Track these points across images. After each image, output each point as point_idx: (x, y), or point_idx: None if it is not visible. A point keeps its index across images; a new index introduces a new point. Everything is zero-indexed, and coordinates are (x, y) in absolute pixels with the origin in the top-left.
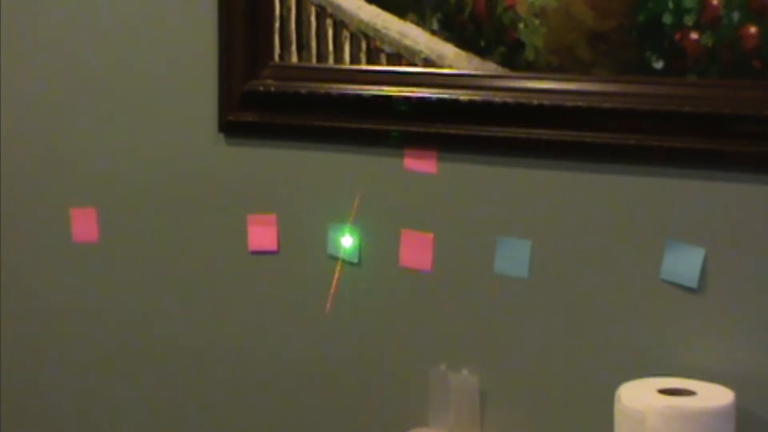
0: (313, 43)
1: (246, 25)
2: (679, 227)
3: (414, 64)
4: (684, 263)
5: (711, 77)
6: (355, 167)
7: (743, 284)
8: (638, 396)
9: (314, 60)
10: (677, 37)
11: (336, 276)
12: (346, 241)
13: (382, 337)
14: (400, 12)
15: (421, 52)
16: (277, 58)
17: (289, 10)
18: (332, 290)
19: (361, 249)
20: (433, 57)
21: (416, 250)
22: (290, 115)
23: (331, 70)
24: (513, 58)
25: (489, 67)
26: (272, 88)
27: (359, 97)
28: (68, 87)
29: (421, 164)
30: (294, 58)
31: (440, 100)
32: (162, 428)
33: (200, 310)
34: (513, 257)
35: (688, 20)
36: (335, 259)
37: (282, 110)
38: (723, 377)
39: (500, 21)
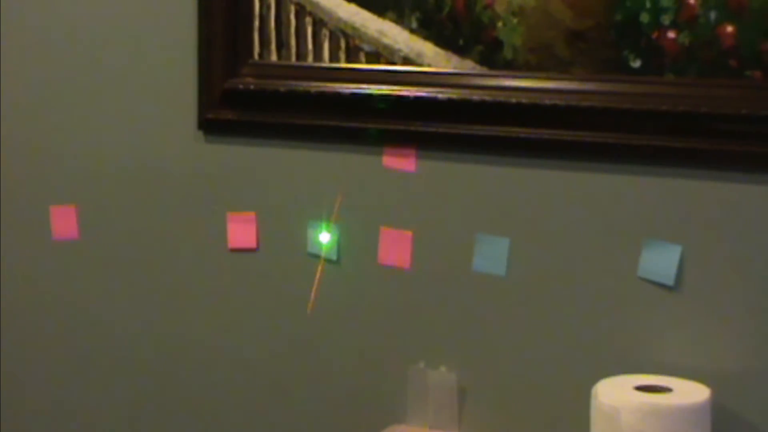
0: (293, 42)
1: (225, 23)
2: (656, 225)
3: (393, 63)
4: (661, 261)
5: (688, 76)
6: (334, 165)
7: (719, 282)
8: (614, 393)
9: (294, 58)
10: (654, 36)
11: (318, 275)
12: (324, 238)
13: (360, 335)
14: (379, 10)
15: (400, 50)
16: (256, 56)
17: (268, 8)
18: (314, 289)
19: (339, 246)
20: (412, 55)
21: (395, 248)
22: (270, 113)
23: (310, 68)
24: (491, 56)
25: (467, 66)
26: (252, 87)
27: (338, 96)
28: (47, 85)
29: (399, 162)
30: (273, 57)
31: (419, 99)
32: (141, 425)
33: (180, 307)
34: (491, 255)
35: (666, 19)
36: (315, 257)
37: (261, 108)
38: (699, 374)
39: (479, 19)
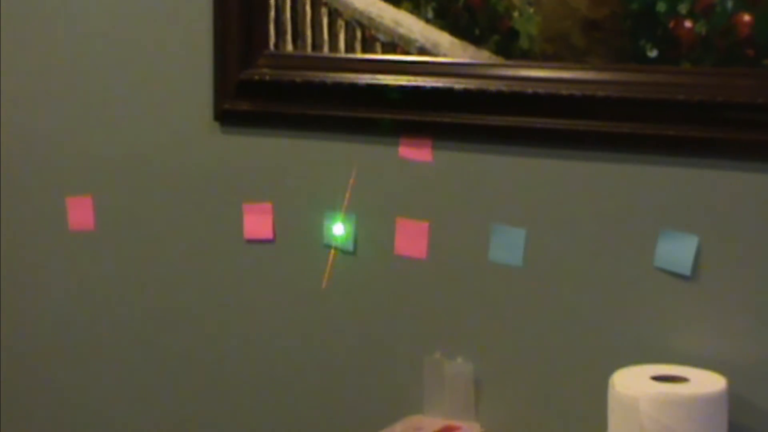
0: (308, 32)
1: (241, 13)
2: (673, 215)
3: (409, 53)
4: (677, 251)
5: (705, 65)
6: (350, 156)
7: (736, 272)
8: (632, 383)
9: (309, 49)
10: (671, 25)
11: (330, 262)
12: (338, 229)
13: (377, 325)
14: (394, 0)
15: (415, 40)
16: (272, 46)
17: None
18: (328, 268)
19: (356, 237)
20: (428, 46)
21: (411, 239)
22: (285, 103)
23: (326, 59)
24: (507, 46)
25: (483, 56)
26: (267, 77)
27: (354, 86)
28: (63, 76)
29: (416, 153)
30: (289, 47)
31: (435, 89)
32: (156, 414)
33: (196, 298)
34: (507, 245)
35: (682, 8)
36: (330, 247)
37: (277, 99)
38: (716, 364)
39: (494, 9)
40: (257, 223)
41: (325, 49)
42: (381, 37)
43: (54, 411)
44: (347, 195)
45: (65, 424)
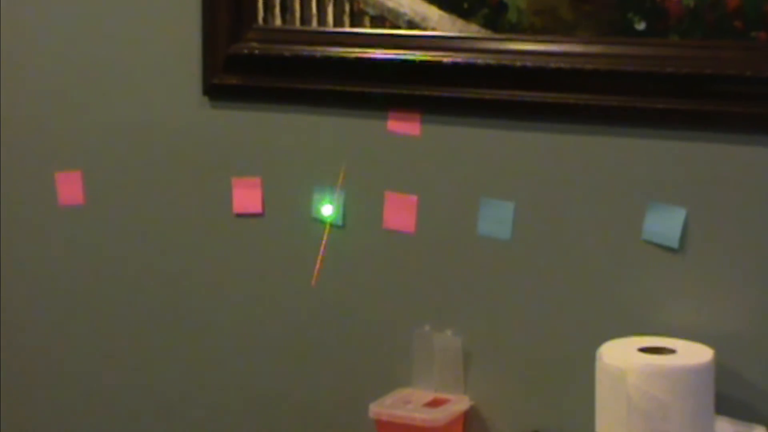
0: (297, 6)
1: None
2: (661, 188)
3: (397, 27)
4: (665, 224)
5: (693, 38)
6: (338, 130)
7: (723, 244)
8: (619, 354)
9: (298, 23)
10: None
11: (322, 248)
12: (326, 210)
13: (366, 299)
14: None
15: (404, 14)
16: (261, 20)
17: None
18: (318, 262)
19: (345, 211)
20: (417, 19)
21: (400, 213)
22: (274, 78)
23: (314, 32)
24: (496, 19)
25: (472, 29)
26: (256, 51)
27: (343, 60)
28: (53, 51)
29: (404, 126)
30: (278, 21)
31: (423, 63)
32: (145, 388)
33: (186, 271)
34: (496, 219)
35: None
36: (319, 221)
37: (266, 73)
38: (702, 335)
39: None
40: (246, 197)
41: (314, 22)
42: (370, 10)
43: (46, 380)
44: (339, 182)
45: (52, 389)
